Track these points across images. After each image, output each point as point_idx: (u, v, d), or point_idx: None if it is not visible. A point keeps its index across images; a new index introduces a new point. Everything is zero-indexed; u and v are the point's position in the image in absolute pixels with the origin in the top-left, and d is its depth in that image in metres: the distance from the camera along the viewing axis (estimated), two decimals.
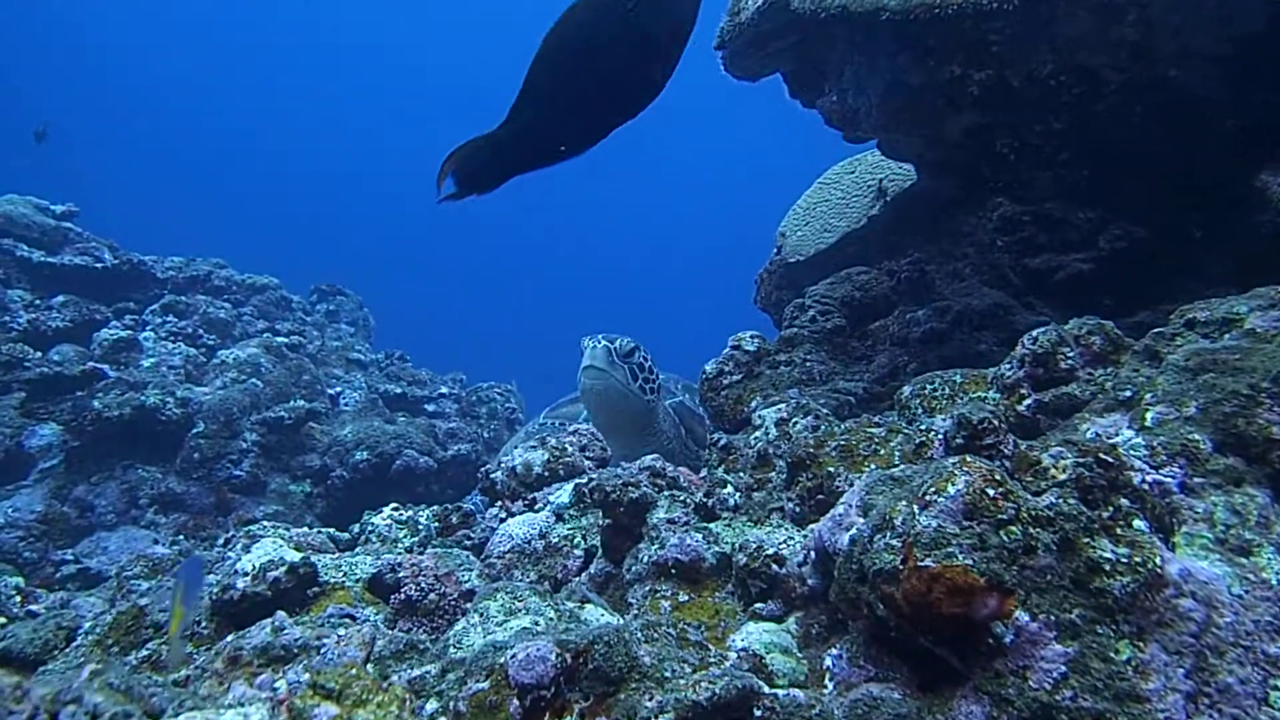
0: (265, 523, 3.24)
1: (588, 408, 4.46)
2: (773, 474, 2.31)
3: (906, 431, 2.03)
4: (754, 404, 3.51)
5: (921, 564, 1.42)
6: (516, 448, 4.91)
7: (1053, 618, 1.35)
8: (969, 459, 1.51)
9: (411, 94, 53.97)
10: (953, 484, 1.46)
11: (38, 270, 6.97)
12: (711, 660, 1.67)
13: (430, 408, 8.33)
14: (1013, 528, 1.42)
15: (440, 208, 1.92)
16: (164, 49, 45.43)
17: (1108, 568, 1.37)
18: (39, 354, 6.09)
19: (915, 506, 1.49)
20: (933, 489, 1.48)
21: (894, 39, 2.79)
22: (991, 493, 1.44)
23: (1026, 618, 1.36)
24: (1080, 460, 1.52)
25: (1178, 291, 3.66)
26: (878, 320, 4.17)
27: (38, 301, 6.74)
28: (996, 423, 1.65)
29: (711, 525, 2.15)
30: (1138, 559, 1.37)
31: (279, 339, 7.46)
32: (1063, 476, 1.52)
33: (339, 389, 7.51)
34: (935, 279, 4.20)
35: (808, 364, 3.68)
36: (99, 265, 7.28)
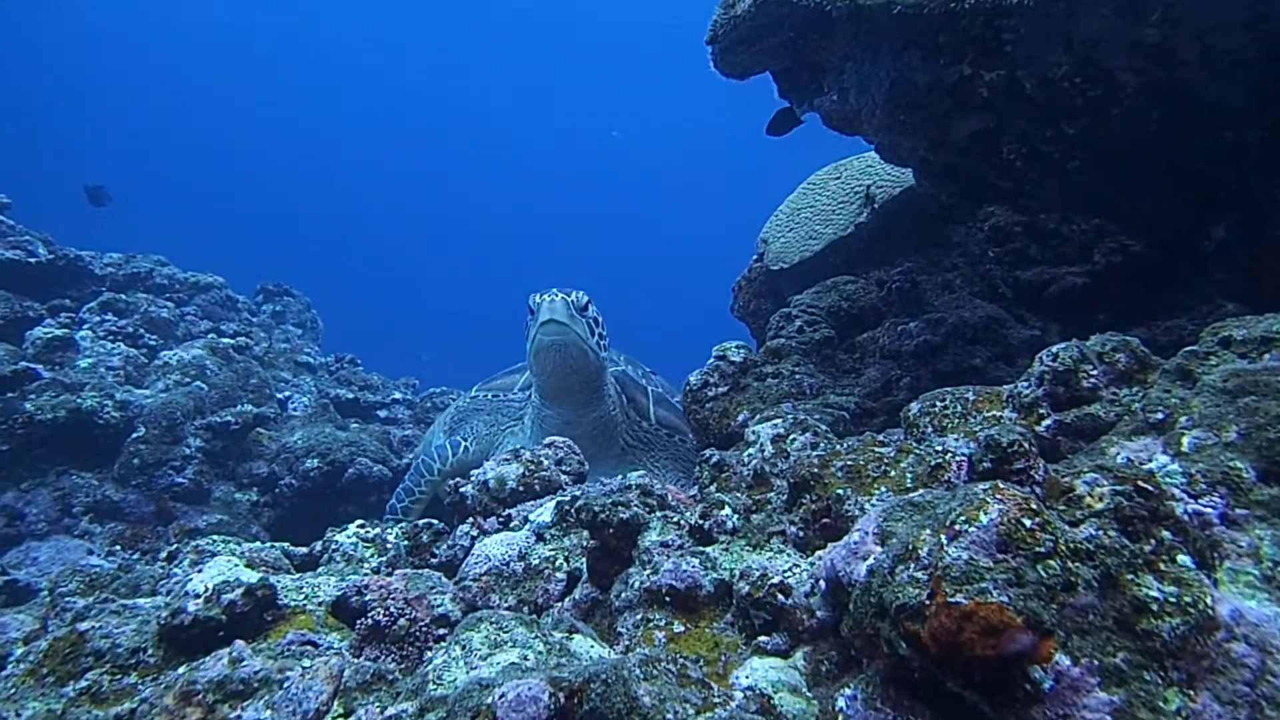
0: (215, 537, 3.09)
1: (541, 367, 4.28)
2: (771, 494, 2.24)
3: (918, 451, 1.96)
4: (742, 417, 3.45)
5: (951, 600, 1.34)
6: (460, 437, 4.84)
7: (1096, 662, 1.29)
8: (1001, 485, 1.44)
9: (362, 95, 53.71)
10: (985, 512, 1.40)
11: None
12: (716, 700, 1.58)
13: (383, 414, 8.21)
14: (1051, 562, 1.35)
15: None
16: (105, 37, 44.79)
17: (1155, 608, 1.31)
18: None
19: (943, 536, 1.42)
20: (962, 517, 1.41)
21: (901, 35, 2.74)
22: (1028, 523, 1.37)
23: (1068, 661, 1.29)
24: (1118, 488, 1.46)
25: (1175, 307, 3.68)
26: (865, 332, 4.14)
27: None
28: (1027, 446, 1.59)
29: (708, 549, 2.06)
30: (1187, 598, 1.31)
31: (224, 340, 7.28)
32: (1100, 506, 1.46)
33: (287, 393, 7.36)
34: (926, 290, 4.18)
35: (796, 376, 3.62)
36: (32, 260, 7.07)
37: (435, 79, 54.28)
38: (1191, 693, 1.27)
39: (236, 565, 2.29)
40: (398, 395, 8.51)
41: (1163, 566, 1.37)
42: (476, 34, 51.41)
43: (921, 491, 1.74)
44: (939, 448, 1.96)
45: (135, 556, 5.10)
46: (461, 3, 50.56)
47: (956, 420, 2.11)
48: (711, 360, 3.80)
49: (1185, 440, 1.64)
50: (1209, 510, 1.54)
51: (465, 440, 4.86)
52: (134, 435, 5.72)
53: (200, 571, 2.29)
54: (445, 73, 54.18)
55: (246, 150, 51.22)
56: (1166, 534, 1.41)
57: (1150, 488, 1.46)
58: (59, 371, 6.10)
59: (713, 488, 2.41)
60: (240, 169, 51.00)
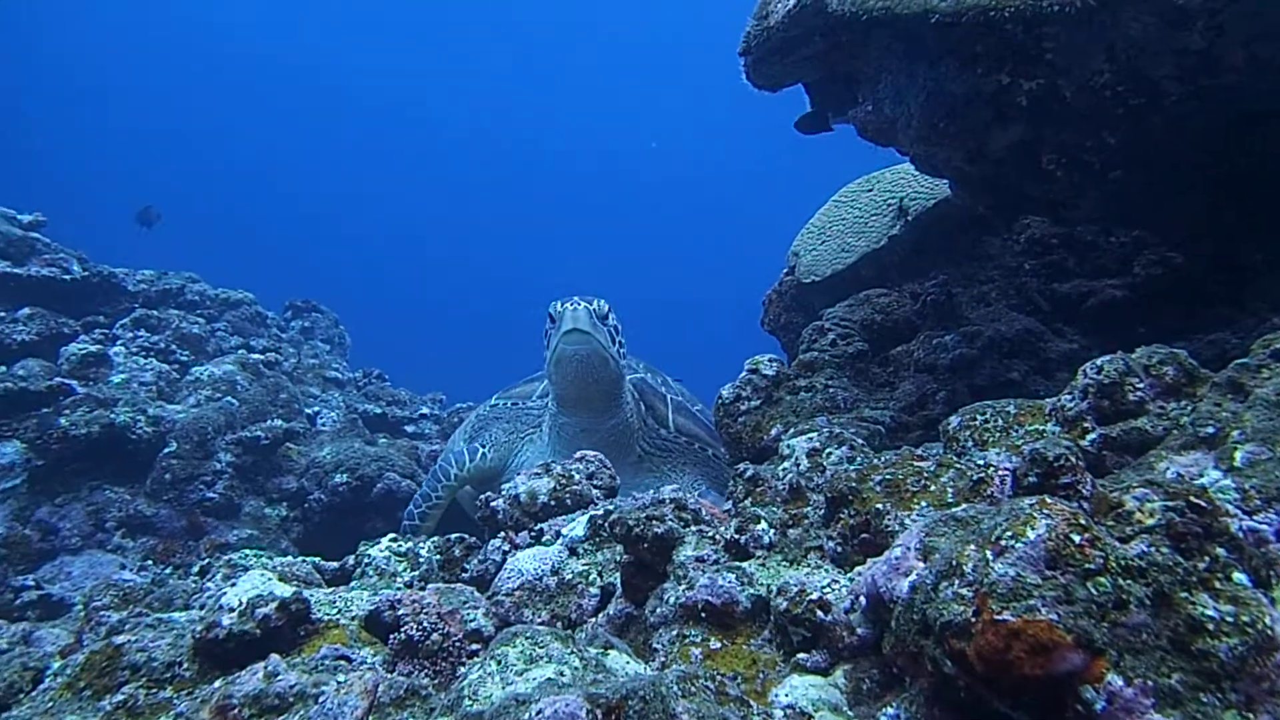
0: (247, 551, 3.12)
1: (561, 376, 4.24)
2: (807, 509, 2.21)
3: (959, 465, 1.93)
4: (775, 431, 3.43)
5: (999, 618, 1.32)
6: (479, 444, 4.84)
7: (1150, 683, 1.26)
8: (1049, 500, 1.42)
9: (387, 110, 54.32)
10: (1032, 528, 1.37)
11: (2, 282, 6.86)
12: (756, 718, 1.56)
13: (410, 429, 8.25)
14: (1101, 579, 1.32)
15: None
16: (143, 62, 45.67)
17: (1211, 627, 1.28)
18: (2, 368, 5.96)
19: (989, 552, 1.39)
20: (1009, 533, 1.39)
21: (938, 44, 2.72)
22: (1077, 539, 1.35)
23: (1120, 682, 1.26)
24: (1169, 504, 1.43)
25: (1218, 321, 3.62)
26: (899, 345, 4.10)
27: (2, 314, 6.62)
28: (1074, 460, 1.56)
29: (744, 565, 2.04)
30: (1245, 618, 1.28)
31: (254, 356, 7.36)
32: (1151, 522, 1.43)
33: (316, 408, 7.40)
34: (961, 303, 4.14)
35: (830, 390, 3.59)
36: (67, 277, 7.18)
37: (461, 94, 54.74)
38: (1250, 716, 1.24)
39: (270, 579, 2.30)
40: (425, 410, 8.55)
41: (1218, 585, 1.34)
42: (500, 49, 51.86)
43: (964, 506, 1.71)
44: (981, 462, 1.94)
45: (167, 571, 5.15)
46: (486, 21, 50.99)
47: (998, 434, 2.08)
48: (743, 374, 3.79)
49: (1238, 455, 1.60)
50: (1265, 527, 1.51)
51: (483, 447, 4.85)
52: (166, 450, 5.78)
53: (234, 585, 2.30)
54: (470, 88, 54.60)
55: (273, 167, 51.91)
56: (1221, 551, 1.38)
57: (1203, 503, 1.43)
58: (93, 387, 6.18)
59: (747, 502, 2.39)
60: (267, 187, 51.69)
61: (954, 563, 1.43)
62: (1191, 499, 1.43)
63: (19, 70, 43.22)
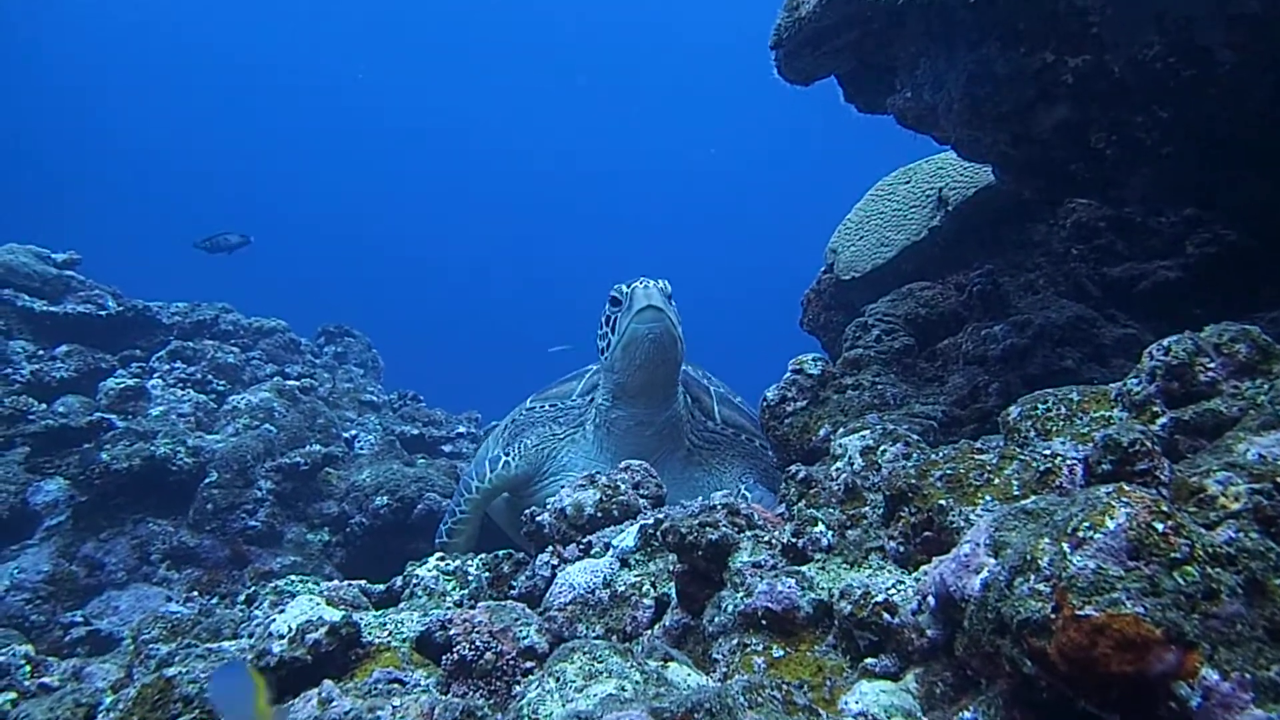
0: (292, 577, 3.12)
1: (630, 359, 4.08)
2: (865, 509, 2.17)
3: (1023, 457, 1.88)
4: (823, 431, 3.38)
5: (1081, 613, 1.27)
6: (507, 451, 4.72)
7: (1248, 676, 1.20)
8: (1126, 488, 1.36)
9: (412, 136, 54.87)
10: (1111, 517, 1.32)
11: (40, 320, 7.00)
12: None
13: (448, 448, 8.27)
14: (1188, 568, 1.27)
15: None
16: (165, 95, 46.49)
17: None
18: (43, 406, 6.07)
19: (1065, 544, 1.34)
20: (1086, 523, 1.34)
21: (977, 25, 2.67)
22: (1160, 527, 1.29)
23: (1216, 676, 1.20)
24: (1255, 486, 1.38)
25: (1279, 300, 3.52)
26: (946, 338, 4.04)
27: (40, 352, 6.76)
28: (1150, 445, 1.51)
29: (803, 569, 2.00)
30: None
31: (290, 382, 7.45)
32: (1236, 506, 1.38)
33: (354, 432, 7.45)
34: (1008, 292, 4.07)
35: (878, 387, 3.54)
36: (103, 313, 7.31)
37: (486, 111, 55.09)
38: None
39: (318, 604, 2.29)
40: (462, 429, 8.58)
41: None
42: (528, 64, 52.15)
43: (1033, 499, 1.66)
44: (1046, 452, 1.88)
45: (213, 601, 5.18)
46: (511, 38, 51.30)
47: (1061, 423, 2.02)
48: (788, 374, 3.74)
49: None
50: None
51: (508, 456, 4.70)
52: (207, 480, 5.84)
53: (282, 612, 2.30)
54: (495, 103, 54.94)
55: (302, 193, 52.59)
56: None
57: None
58: (132, 420, 6.27)
59: (801, 504, 2.35)
60: (298, 214, 52.28)
61: (1028, 557, 1.38)
62: (1278, 480, 1.37)
63: (40, 106, 44.22)
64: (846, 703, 1.63)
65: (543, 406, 4.96)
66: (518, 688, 2.01)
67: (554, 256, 56.58)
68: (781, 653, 1.86)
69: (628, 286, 4.04)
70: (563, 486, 3.13)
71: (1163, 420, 1.87)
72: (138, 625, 3.21)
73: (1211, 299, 3.73)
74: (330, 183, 53.39)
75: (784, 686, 1.62)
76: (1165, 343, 1.92)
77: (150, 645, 2.99)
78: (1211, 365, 1.85)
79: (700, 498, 4.20)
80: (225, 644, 2.55)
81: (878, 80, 3.46)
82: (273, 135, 50.94)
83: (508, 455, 4.70)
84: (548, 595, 2.49)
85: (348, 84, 51.00)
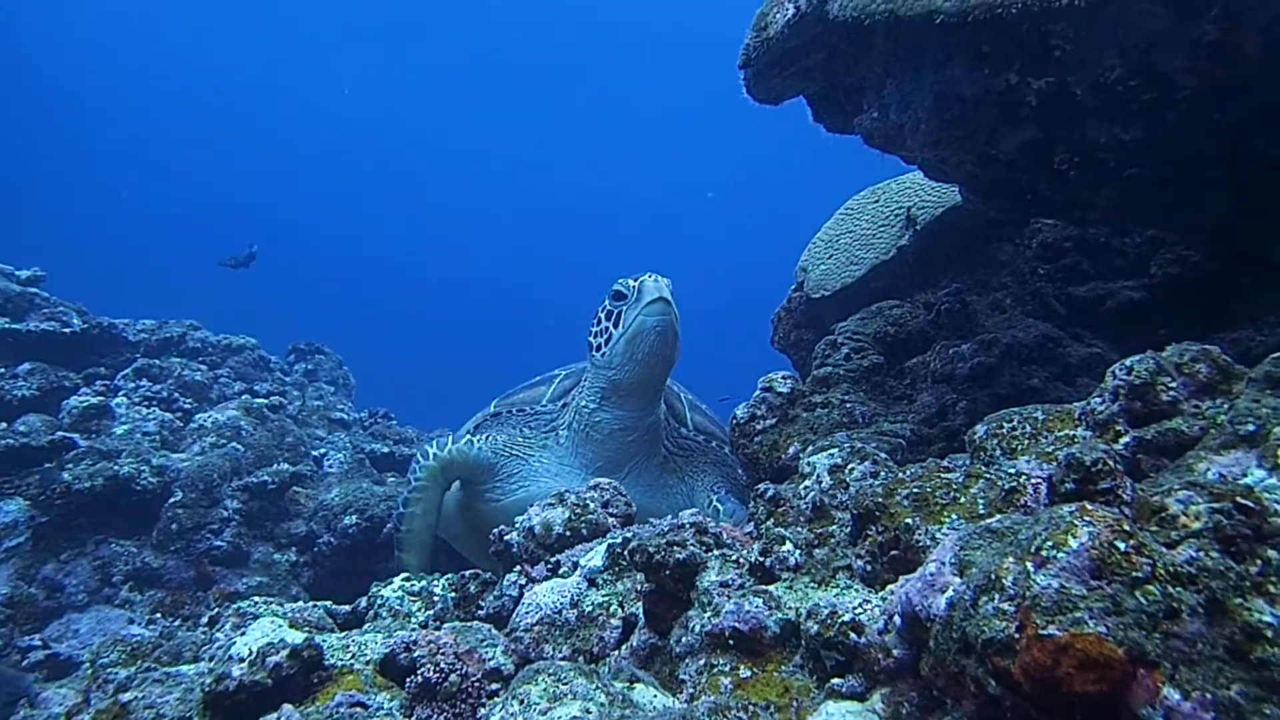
0: (256, 599, 3.07)
1: (633, 353, 3.97)
2: (833, 527, 2.16)
3: (989, 475, 1.89)
4: (793, 449, 3.38)
5: (1044, 632, 1.27)
6: (474, 436, 4.49)
7: (1209, 696, 1.20)
8: (1089, 507, 1.37)
9: (389, 154, 54.69)
10: (1074, 536, 1.33)
11: (2, 338, 6.88)
12: None
13: None
14: (1150, 587, 1.27)
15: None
16: (134, 106, 46.13)
17: (1269, 634, 1.23)
18: (3, 425, 5.95)
19: (1029, 563, 1.35)
20: (1049, 542, 1.34)
21: (943, 46, 2.69)
22: (1122, 546, 1.30)
23: (1178, 696, 1.21)
24: (1215, 506, 1.38)
25: (1241, 319, 3.57)
26: (915, 357, 4.06)
27: (2, 370, 6.64)
28: (1113, 464, 1.52)
29: (771, 588, 2.00)
30: None
31: (258, 400, 7.36)
32: (1197, 525, 1.38)
33: (323, 450, 7.38)
34: (975, 311, 4.10)
35: (847, 405, 3.55)
36: (67, 330, 7.21)
37: (460, 124, 55.06)
38: None
39: (280, 626, 2.25)
40: None
41: (1273, 589, 1.29)
42: (506, 76, 52.21)
43: (998, 517, 1.66)
44: (1011, 471, 1.89)
45: (176, 623, 5.10)
46: (483, 46, 51.31)
47: (1027, 441, 2.03)
48: (757, 392, 3.74)
49: None
50: None
51: (475, 439, 4.51)
52: (171, 500, 5.75)
53: (243, 634, 2.25)
54: (470, 117, 54.95)
55: (271, 209, 52.11)
56: (1273, 553, 1.33)
57: (1251, 504, 1.38)
58: (95, 439, 6.17)
59: (770, 523, 2.34)
60: (267, 229, 51.85)
61: (993, 576, 1.39)
62: (1238, 500, 1.38)
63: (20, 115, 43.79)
64: None
65: (509, 411, 4.74)
66: (483, 710, 1.98)
67: (528, 275, 56.44)
68: (749, 673, 1.84)
69: (634, 280, 3.97)
70: (526, 482, 3.06)
71: (1126, 439, 1.89)
72: (97, 649, 3.15)
73: (1176, 318, 3.77)
74: (301, 198, 53.02)
75: (750, 708, 1.61)
76: (1128, 362, 1.93)
77: (109, 669, 2.94)
78: (1173, 385, 1.87)
79: (673, 505, 4.20)
80: (184, 668, 2.50)
81: (846, 100, 3.49)
82: (242, 151, 50.56)
83: (474, 438, 4.53)
84: (514, 616, 2.46)
85: (334, 99, 50.78)
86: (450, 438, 4.58)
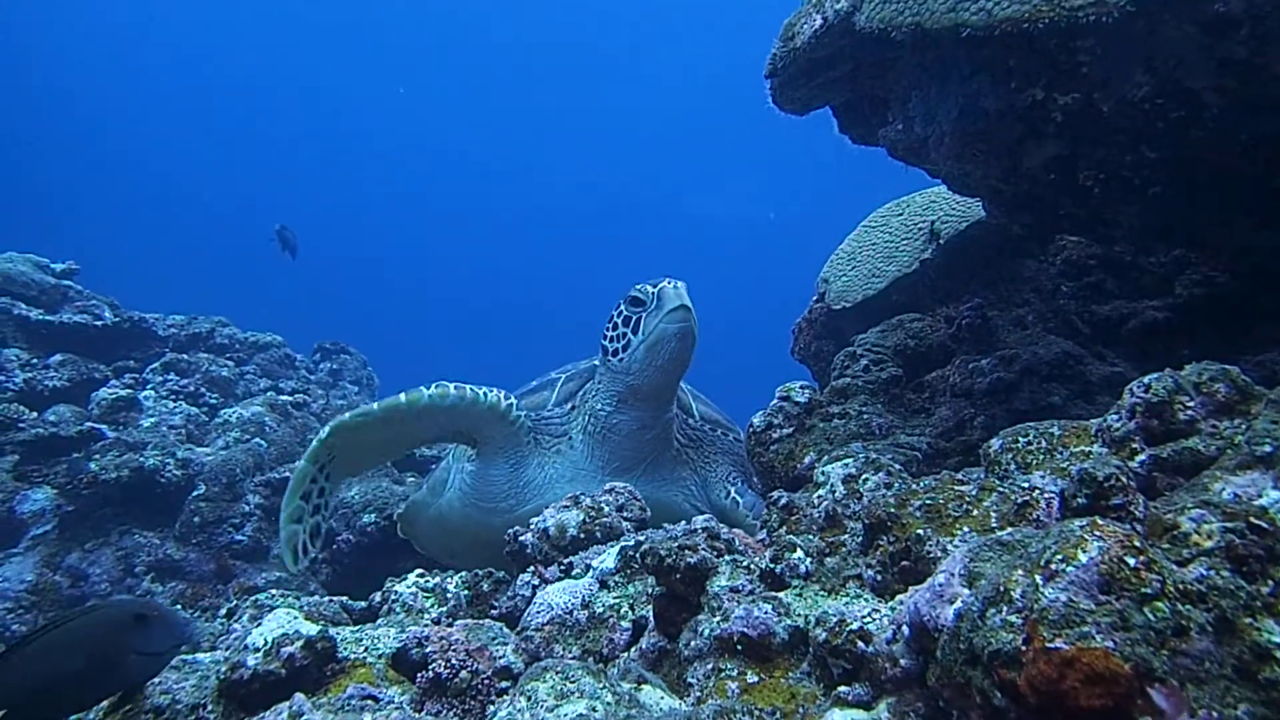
0: (274, 592, 3.10)
1: (652, 359, 3.93)
2: (845, 537, 2.16)
3: (1002, 489, 1.88)
4: (808, 459, 3.38)
5: (1051, 645, 1.26)
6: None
7: (1215, 714, 1.19)
8: (1100, 522, 1.36)
9: (415, 154, 55.06)
10: (1084, 550, 1.32)
11: (35, 329, 7.00)
12: None
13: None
14: (1159, 604, 1.26)
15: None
16: (165, 113, 46.77)
17: (1279, 654, 1.22)
18: (34, 415, 6.05)
19: (1038, 576, 1.34)
20: (1059, 556, 1.33)
21: (969, 60, 2.69)
22: (1132, 562, 1.29)
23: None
24: (1228, 525, 1.37)
25: (1266, 340, 3.53)
26: (934, 370, 4.04)
27: (34, 361, 6.75)
28: (1125, 480, 1.51)
29: (781, 595, 2.00)
30: None
31: (283, 397, 7.45)
32: (1209, 544, 1.37)
33: None
34: (997, 327, 4.07)
35: (864, 416, 3.54)
36: (98, 323, 7.32)
37: (488, 130, 55.29)
38: None
39: (295, 618, 2.28)
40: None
41: None
42: (521, 82, 52.37)
43: (1009, 530, 1.66)
44: (1025, 485, 1.88)
45: (195, 615, 5.15)
46: (502, 54, 51.53)
47: (1042, 456, 2.02)
48: (775, 401, 3.74)
49: None
50: None
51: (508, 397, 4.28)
52: (195, 493, 5.82)
53: (259, 625, 2.28)
54: (493, 123, 55.12)
55: (299, 209, 52.56)
56: None
57: (1264, 524, 1.37)
58: (123, 431, 6.27)
59: (782, 530, 2.34)
60: (298, 230, 52.27)
61: (1001, 588, 1.38)
62: (1252, 520, 1.37)
63: (43, 123, 44.51)
64: None
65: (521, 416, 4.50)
66: (491, 707, 1.99)
67: (548, 279, 56.55)
68: (756, 678, 1.84)
69: (653, 286, 3.94)
70: (540, 488, 3.06)
71: (1141, 457, 1.87)
72: None
73: (1200, 340, 3.73)
74: (329, 198, 53.38)
75: (756, 713, 1.61)
76: (1146, 380, 1.92)
77: None
78: (1191, 404, 1.85)
79: (686, 496, 4.20)
80: (201, 656, 2.53)
81: (871, 112, 3.48)
82: (274, 149, 51.08)
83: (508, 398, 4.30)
84: (525, 615, 2.47)
85: (351, 98, 51.18)
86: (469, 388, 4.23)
